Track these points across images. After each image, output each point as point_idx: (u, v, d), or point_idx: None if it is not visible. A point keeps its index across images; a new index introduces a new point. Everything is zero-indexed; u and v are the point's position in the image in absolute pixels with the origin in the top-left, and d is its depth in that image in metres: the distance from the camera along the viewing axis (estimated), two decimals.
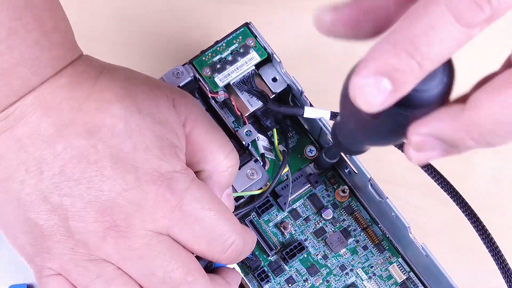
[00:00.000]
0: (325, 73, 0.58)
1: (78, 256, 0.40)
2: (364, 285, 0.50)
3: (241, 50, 0.51)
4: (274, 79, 0.52)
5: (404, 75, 0.28)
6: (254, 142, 0.50)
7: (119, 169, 0.39)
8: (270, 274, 0.50)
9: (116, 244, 0.39)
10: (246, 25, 0.52)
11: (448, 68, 0.30)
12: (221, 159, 0.43)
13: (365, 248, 0.51)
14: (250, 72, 0.51)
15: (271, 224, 0.52)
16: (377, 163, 0.55)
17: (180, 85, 0.50)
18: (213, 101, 0.51)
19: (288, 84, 0.51)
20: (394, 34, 0.28)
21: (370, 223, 0.52)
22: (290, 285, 0.50)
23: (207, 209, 0.40)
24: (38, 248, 0.40)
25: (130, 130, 0.40)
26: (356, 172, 0.50)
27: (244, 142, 0.50)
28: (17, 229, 0.40)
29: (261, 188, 0.50)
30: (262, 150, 0.51)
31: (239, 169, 0.47)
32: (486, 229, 0.47)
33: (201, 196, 0.41)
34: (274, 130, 0.52)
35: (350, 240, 0.51)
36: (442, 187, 0.48)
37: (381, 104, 0.29)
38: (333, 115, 0.48)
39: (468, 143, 0.29)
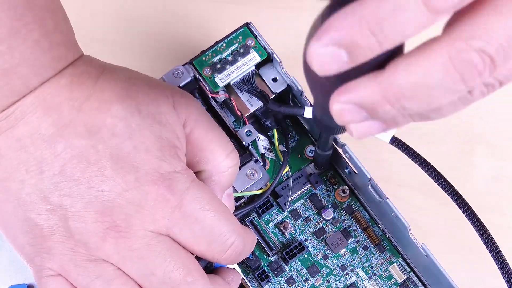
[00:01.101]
0: None
1: (78, 256, 0.40)
2: (365, 285, 0.50)
3: (241, 50, 0.51)
4: (274, 79, 0.52)
5: (363, 51, 0.28)
6: (254, 142, 0.50)
7: (119, 169, 0.39)
8: (270, 274, 0.50)
9: (116, 245, 0.39)
10: (246, 25, 0.52)
11: None
12: (221, 159, 0.43)
13: (365, 248, 0.51)
14: (250, 72, 0.51)
15: (271, 224, 0.51)
16: (377, 163, 0.55)
17: (180, 85, 0.50)
18: (213, 101, 0.51)
19: (288, 84, 0.51)
20: (361, 8, 0.27)
21: (370, 223, 0.52)
22: (290, 285, 0.50)
23: (207, 209, 0.40)
24: (37, 248, 0.40)
25: (131, 130, 0.40)
26: (356, 172, 0.50)
27: (244, 142, 0.50)
28: (17, 229, 0.40)
29: (261, 188, 0.50)
30: (262, 150, 0.51)
31: (240, 169, 0.47)
32: (486, 229, 0.47)
33: (201, 196, 0.41)
34: (274, 130, 0.52)
35: (350, 240, 0.51)
36: (442, 187, 0.48)
37: (335, 71, 0.29)
38: None
39: (385, 107, 0.29)
